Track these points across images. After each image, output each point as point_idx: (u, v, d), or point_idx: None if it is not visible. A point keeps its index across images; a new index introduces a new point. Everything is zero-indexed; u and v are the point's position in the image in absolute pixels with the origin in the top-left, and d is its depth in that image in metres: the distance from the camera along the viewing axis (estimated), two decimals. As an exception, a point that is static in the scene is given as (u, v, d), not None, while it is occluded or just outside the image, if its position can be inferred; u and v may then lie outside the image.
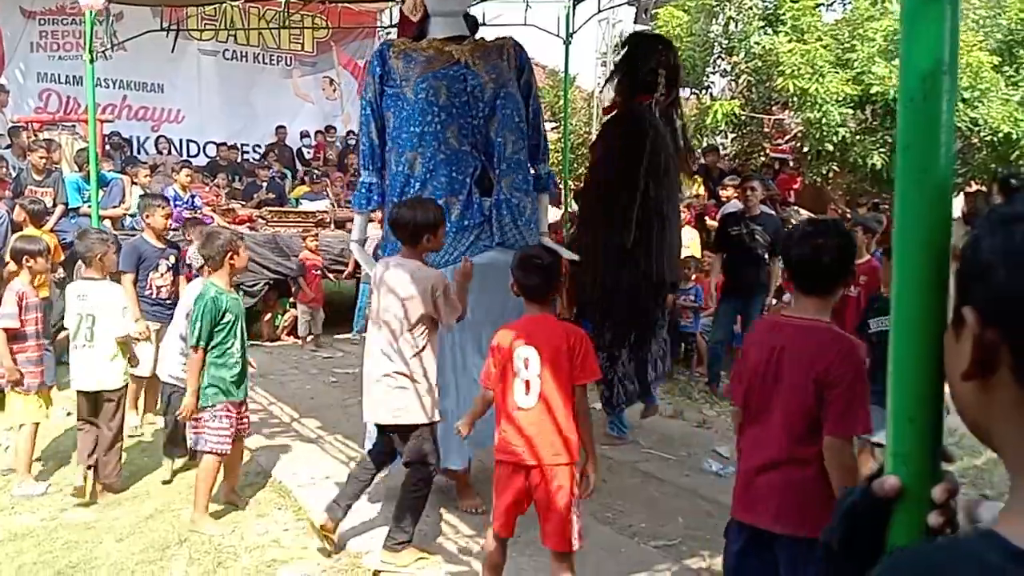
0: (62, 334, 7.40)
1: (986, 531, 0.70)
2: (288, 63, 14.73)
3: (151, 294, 5.49)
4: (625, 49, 5.52)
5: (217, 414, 4.08)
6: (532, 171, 4.52)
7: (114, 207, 8.43)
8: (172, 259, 5.67)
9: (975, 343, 0.74)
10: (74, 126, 10.29)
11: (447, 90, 4.17)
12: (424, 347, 3.62)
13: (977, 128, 9.10)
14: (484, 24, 6.96)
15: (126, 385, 4.71)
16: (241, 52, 14.20)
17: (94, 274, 4.59)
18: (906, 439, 0.91)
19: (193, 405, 4.06)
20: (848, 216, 9.58)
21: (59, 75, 12.73)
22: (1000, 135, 9.03)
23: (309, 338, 9.17)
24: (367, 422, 3.93)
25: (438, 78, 4.18)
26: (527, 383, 2.92)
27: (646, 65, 5.17)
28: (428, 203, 3.76)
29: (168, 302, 5.52)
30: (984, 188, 10.43)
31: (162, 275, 5.54)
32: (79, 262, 6.59)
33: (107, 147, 10.87)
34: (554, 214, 7.04)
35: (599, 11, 8.54)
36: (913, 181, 0.88)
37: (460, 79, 4.21)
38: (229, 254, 4.12)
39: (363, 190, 4.51)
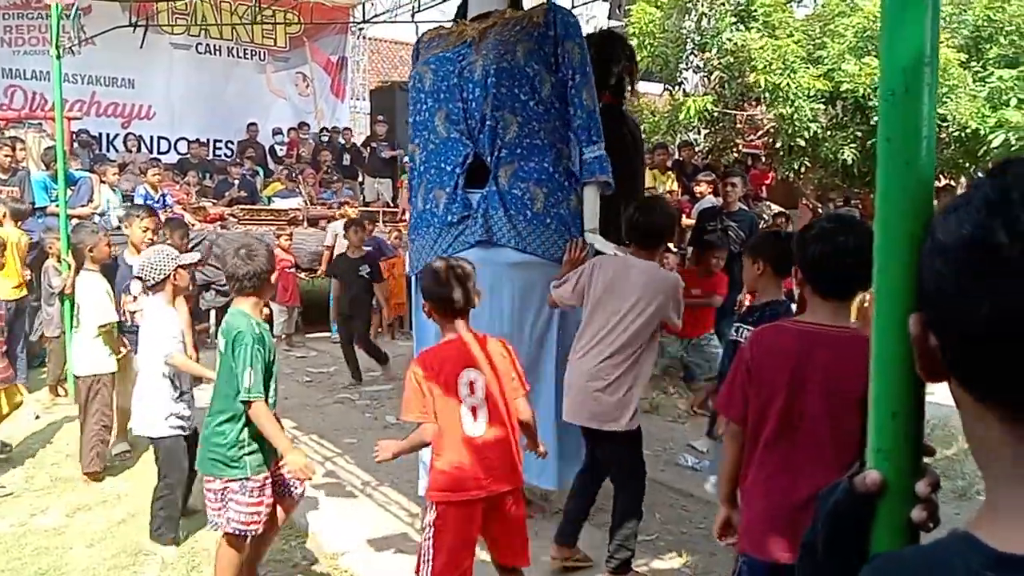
0: (34, 336, 7.30)
1: (964, 534, 0.69)
2: (262, 58, 14.60)
3: (124, 321, 4.79)
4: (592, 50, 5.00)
5: (249, 486, 3.12)
6: (571, 156, 3.89)
7: (82, 206, 8.29)
8: None
9: (916, 347, 0.75)
10: (40, 124, 10.12)
11: (433, 75, 3.85)
12: (651, 350, 3.42)
13: (945, 124, 9.21)
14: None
15: (100, 376, 4.71)
16: (214, 46, 14.06)
17: (89, 266, 4.80)
18: (888, 434, 0.90)
19: (303, 461, 3.09)
20: (820, 211, 9.68)
21: (24, 71, 12.53)
22: (968, 131, 9.15)
23: (283, 337, 9.09)
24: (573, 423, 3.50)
25: (427, 64, 3.89)
26: (474, 409, 2.67)
27: (614, 66, 4.71)
28: (664, 205, 3.64)
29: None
30: (952, 183, 10.57)
31: (135, 299, 4.68)
32: (47, 262, 6.52)
33: (75, 145, 10.70)
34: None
35: (573, 6, 8.54)
36: (895, 174, 0.87)
37: (456, 60, 3.81)
38: (272, 274, 3.24)
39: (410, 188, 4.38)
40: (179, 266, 3.82)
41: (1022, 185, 0.65)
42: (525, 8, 4.09)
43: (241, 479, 3.10)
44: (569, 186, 3.82)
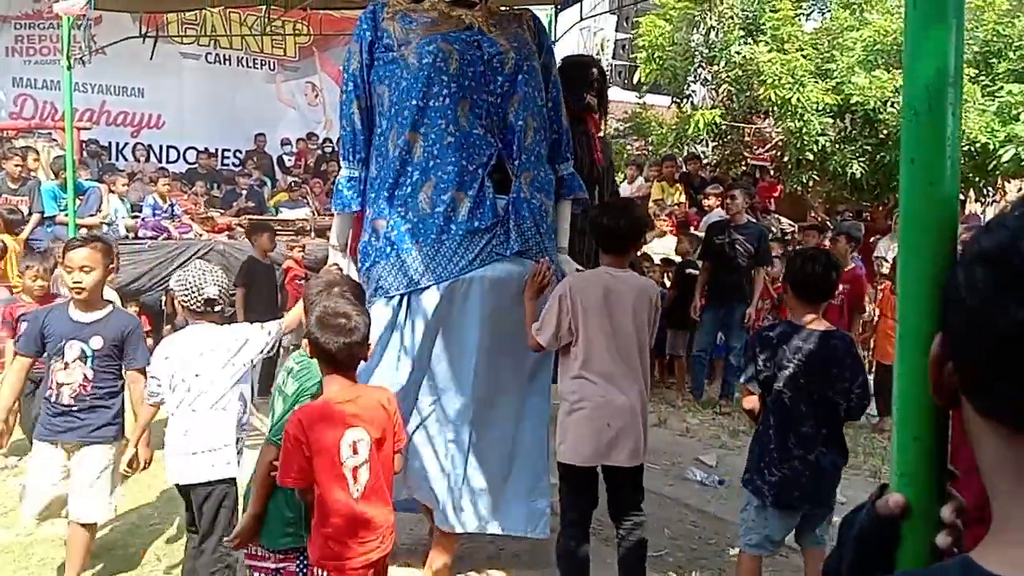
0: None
1: (963, 557, 0.70)
2: (272, 67, 14.67)
3: (51, 395, 3.38)
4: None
5: (307, 564, 2.65)
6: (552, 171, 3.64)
7: (91, 216, 8.34)
8: (94, 343, 3.35)
9: (931, 365, 0.77)
10: (51, 133, 10.19)
11: (459, 56, 3.26)
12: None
13: (955, 138, 9.20)
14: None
15: None
16: (224, 56, 14.12)
17: None
18: (911, 458, 0.89)
19: (249, 530, 2.66)
20: (829, 224, 9.67)
21: (35, 80, 12.60)
22: (977, 145, 9.14)
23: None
24: (578, 463, 3.12)
25: (448, 41, 3.27)
26: (355, 470, 2.42)
27: (583, 91, 4.38)
28: (634, 206, 3.47)
29: (75, 409, 3.34)
30: (961, 197, 10.55)
31: (66, 366, 3.33)
32: (56, 271, 6.55)
33: (84, 154, 10.76)
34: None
35: (581, 19, 8.54)
36: (918, 195, 0.86)
37: (474, 45, 3.32)
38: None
39: (343, 187, 3.47)
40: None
41: None
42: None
43: (299, 554, 2.65)
44: (554, 201, 3.59)
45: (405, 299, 3.27)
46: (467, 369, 3.28)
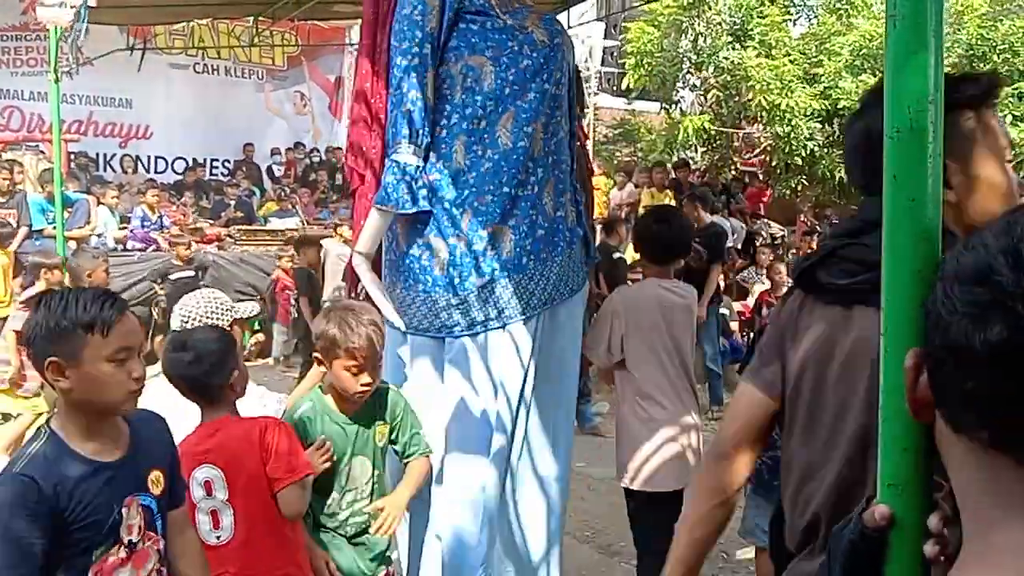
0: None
1: None
2: (260, 77, 14.66)
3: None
4: None
5: None
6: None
7: (79, 228, 8.31)
8: (153, 484, 1.70)
9: (906, 379, 0.77)
10: (38, 145, 10.16)
11: (548, 38, 2.74)
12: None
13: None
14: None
15: None
16: (212, 66, 14.09)
17: None
18: (900, 469, 0.90)
19: None
20: (818, 228, 9.73)
21: (22, 91, 12.56)
22: (964, 148, 9.22)
23: (281, 359, 9.06)
24: (643, 489, 2.95)
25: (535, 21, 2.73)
26: (213, 512, 2.09)
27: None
28: (681, 215, 3.35)
29: None
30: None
31: (132, 552, 1.62)
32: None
33: (72, 167, 10.73)
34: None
35: (569, 27, 8.59)
36: (900, 211, 0.88)
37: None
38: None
39: (399, 178, 2.51)
40: (235, 320, 2.83)
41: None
42: None
43: None
44: None
45: (540, 319, 2.66)
46: (567, 397, 2.87)
